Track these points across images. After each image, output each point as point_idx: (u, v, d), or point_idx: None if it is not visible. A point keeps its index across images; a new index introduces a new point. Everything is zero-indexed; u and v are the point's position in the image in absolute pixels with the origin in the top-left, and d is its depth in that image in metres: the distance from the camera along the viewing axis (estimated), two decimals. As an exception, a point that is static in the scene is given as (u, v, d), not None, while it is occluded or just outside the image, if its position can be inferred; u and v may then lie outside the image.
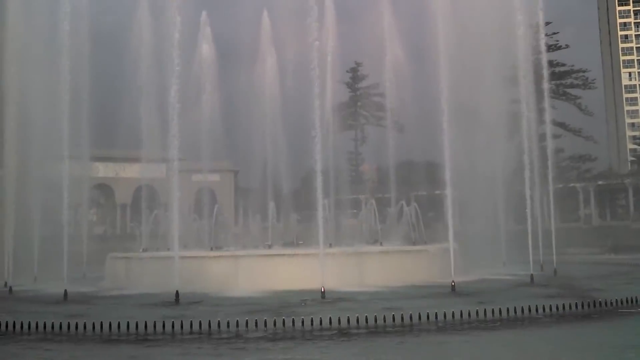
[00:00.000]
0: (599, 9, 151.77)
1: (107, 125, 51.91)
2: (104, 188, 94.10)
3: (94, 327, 18.42)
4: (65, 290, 27.96)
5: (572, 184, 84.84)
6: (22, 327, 19.02)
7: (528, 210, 36.39)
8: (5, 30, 37.26)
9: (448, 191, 30.87)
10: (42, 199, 38.44)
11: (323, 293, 26.16)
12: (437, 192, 39.35)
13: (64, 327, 18.67)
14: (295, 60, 45.22)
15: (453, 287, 27.82)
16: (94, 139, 46.47)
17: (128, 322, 18.47)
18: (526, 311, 20.19)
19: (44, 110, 37.66)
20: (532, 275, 32.22)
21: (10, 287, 32.32)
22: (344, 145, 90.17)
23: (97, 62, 43.61)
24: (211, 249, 35.40)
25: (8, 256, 35.18)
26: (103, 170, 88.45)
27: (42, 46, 37.82)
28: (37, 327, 18.92)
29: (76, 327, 18.55)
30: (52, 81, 34.08)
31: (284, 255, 32.68)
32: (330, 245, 34.99)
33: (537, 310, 20.42)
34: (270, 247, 37.13)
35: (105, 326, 18.34)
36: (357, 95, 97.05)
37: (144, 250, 36.06)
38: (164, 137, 33.25)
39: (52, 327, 18.74)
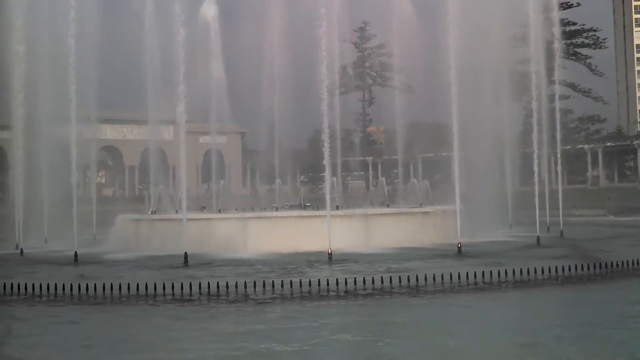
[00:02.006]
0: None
1: (114, 87, 51.87)
2: (111, 150, 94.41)
3: (104, 289, 18.69)
4: (76, 252, 28.32)
5: (580, 146, 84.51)
6: (33, 288, 19.34)
7: (535, 172, 36.35)
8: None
9: (455, 153, 30.79)
10: (50, 161, 38.64)
11: (330, 255, 26.40)
12: (444, 153, 39.29)
13: (75, 289, 18.95)
14: (302, 20, 44.77)
15: (459, 249, 27.99)
16: (100, 101, 46.51)
17: (138, 283, 18.74)
18: (532, 273, 20.30)
19: (50, 71, 37.60)
20: (538, 237, 32.36)
21: (22, 249, 32.71)
22: (351, 107, 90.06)
23: (102, 22, 43.35)
24: (219, 211, 35.64)
25: (18, 218, 35.51)
26: (110, 133, 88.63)
27: (47, 7, 37.58)
28: (48, 288, 19.21)
29: (87, 289, 18.83)
30: (58, 42, 33.93)
31: (291, 217, 32.86)
32: (337, 207, 35.20)
33: (542, 271, 20.54)
34: (277, 209, 37.33)
35: (115, 287, 18.61)
36: (365, 55, 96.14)
37: (153, 212, 36.30)
38: (171, 99, 33.19)
39: (63, 289, 19.02)
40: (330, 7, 40.74)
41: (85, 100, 38.69)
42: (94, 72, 41.22)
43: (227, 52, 49.28)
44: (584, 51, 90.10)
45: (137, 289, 18.68)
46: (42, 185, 39.29)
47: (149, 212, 36.92)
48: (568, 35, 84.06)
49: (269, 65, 47.39)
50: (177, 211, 33.56)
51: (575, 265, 21.06)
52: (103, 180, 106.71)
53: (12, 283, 19.67)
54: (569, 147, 69.18)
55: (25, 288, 19.41)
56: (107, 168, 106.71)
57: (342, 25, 50.19)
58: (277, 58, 47.10)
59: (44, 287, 19.23)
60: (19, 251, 32.74)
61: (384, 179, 47.65)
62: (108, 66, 47.22)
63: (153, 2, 42.24)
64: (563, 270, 20.79)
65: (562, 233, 36.96)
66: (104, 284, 18.84)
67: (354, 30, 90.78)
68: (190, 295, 18.41)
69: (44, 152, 39.55)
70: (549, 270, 20.65)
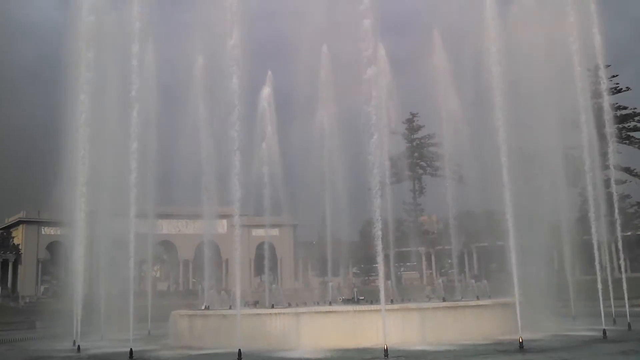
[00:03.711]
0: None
1: (170, 183, 53.43)
2: (167, 245, 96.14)
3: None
4: (131, 349, 28.40)
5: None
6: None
7: (596, 260, 35.15)
8: (73, 92, 38.95)
9: (510, 241, 30.14)
10: (108, 257, 39.56)
11: (386, 351, 25.66)
12: (499, 242, 38.50)
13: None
14: (351, 112, 45.79)
15: (521, 344, 26.82)
16: (158, 196, 47.93)
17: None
18: (600, 370, 19.26)
19: (109, 168, 39.16)
20: (604, 330, 30.82)
21: (79, 346, 33.01)
22: (402, 197, 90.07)
23: (159, 121, 45.42)
24: (272, 306, 35.44)
25: (76, 314, 35.98)
26: (166, 227, 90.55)
27: (107, 106, 39.56)
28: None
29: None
30: (119, 140, 35.48)
31: (344, 312, 32.35)
32: (392, 301, 34.56)
33: (612, 369, 19.47)
34: (330, 303, 36.88)
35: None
36: (414, 146, 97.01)
37: (206, 307, 36.37)
38: (224, 193, 33.84)
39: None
40: (378, 99, 41.70)
41: (143, 196, 39.87)
42: (152, 169, 42.75)
43: (279, 145, 50.52)
44: (637, 135, 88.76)
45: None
46: (100, 281, 40.05)
47: (202, 307, 36.98)
48: (620, 119, 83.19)
49: (320, 157, 48.28)
50: (230, 306, 33.50)
51: (647, 361, 19.90)
52: (158, 275, 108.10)
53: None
54: (629, 233, 67.01)
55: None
56: (162, 262, 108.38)
57: (391, 116, 51.12)
58: (327, 150, 48.03)
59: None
60: (76, 347, 33.04)
61: (440, 281, 46.78)
62: (165, 162, 48.90)
63: (207, 99, 44.15)
64: (634, 367, 19.66)
65: (629, 326, 35.11)
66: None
67: (402, 122, 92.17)
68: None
69: (102, 248, 40.59)
70: (619, 367, 19.56)
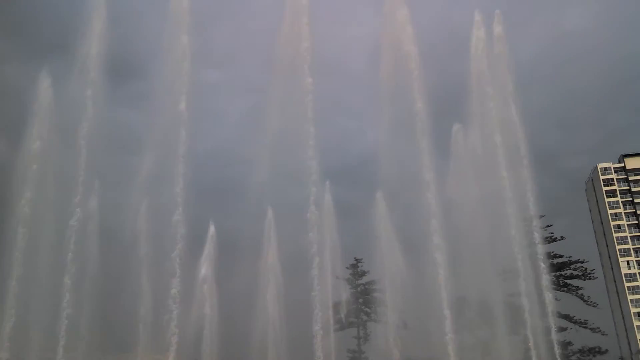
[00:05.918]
0: (588, 201, 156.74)
1: (104, 330, 51.09)
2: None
3: None
4: None
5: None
6: None
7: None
8: (13, 236, 38.21)
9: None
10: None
11: None
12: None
13: None
14: (295, 258, 45.71)
15: None
16: (92, 344, 45.56)
17: None
18: None
19: (43, 315, 37.52)
20: None
21: None
22: (347, 344, 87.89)
23: (98, 262, 44.31)
24: None
25: None
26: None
27: (41, 256, 38.64)
28: None
29: None
30: (54, 286, 34.34)
31: None
32: None
33: None
34: None
35: None
36: (358, 291, 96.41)
37: None
38: (162, 341, 32.62)
39: None
40: (322, 245, 42.04)
41: (76, 343, 38.03)
42: (86, 316, 41.06)
43: (220, 290, 49.42)
44: (574, 282, 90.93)
45: None
46: None
47: None
48: (556, 267, 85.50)
49: (262, 305, 47.32)
50: None
51: None
52: None
53: None
54: (574, 382, 66.62)
55: None
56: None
57: (335, 261, 51.21)
58: (270, 298, 47.22)
59: None
60: None
61: None
62: (100, 308, 47.02)
63: (149, 243, 43.58)
64: None
65: None
66: None
67: (347, 267, 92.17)
68: None
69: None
70: None
